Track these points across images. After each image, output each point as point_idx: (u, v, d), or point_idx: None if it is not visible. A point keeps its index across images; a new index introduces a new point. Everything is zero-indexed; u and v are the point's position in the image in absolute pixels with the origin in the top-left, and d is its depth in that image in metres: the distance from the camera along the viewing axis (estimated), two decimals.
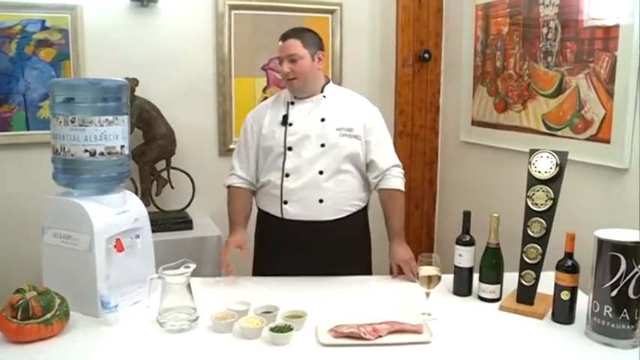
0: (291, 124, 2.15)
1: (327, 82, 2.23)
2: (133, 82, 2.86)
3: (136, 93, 2.90)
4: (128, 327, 1.71)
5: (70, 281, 1.78)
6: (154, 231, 2.75)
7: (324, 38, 3.27)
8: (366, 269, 2.28)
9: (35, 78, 2.82)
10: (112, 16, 2.94)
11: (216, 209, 3.11)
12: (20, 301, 1.59)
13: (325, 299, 1.92)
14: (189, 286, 1.72)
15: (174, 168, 3.03)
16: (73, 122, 1.74)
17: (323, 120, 2.14)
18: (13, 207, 2.79)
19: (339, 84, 3.32)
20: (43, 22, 2.80)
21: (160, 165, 3.04)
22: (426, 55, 3.33)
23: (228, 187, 2.28)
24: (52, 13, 2.80)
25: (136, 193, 2.93)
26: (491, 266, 1.91)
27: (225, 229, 2.95)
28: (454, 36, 3.22)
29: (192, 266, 1.73)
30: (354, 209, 2.19)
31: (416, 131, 3.42)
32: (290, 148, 2.13)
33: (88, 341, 1.61)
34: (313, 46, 2.15)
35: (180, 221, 2.98)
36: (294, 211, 2.13)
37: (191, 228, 2.99)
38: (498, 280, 1.91)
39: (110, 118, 1.77)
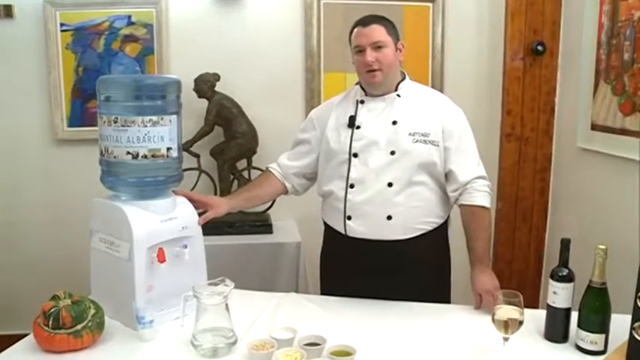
0: (358, 127, 1.89)
1: (403, 79, 1.94)
2: (214, 77, 2.78)
3: (219, 89, 2.81)
4: (163, 345, 1.58)
5: (112, 289, 1.71)
6: (230, 233, 2.73)
7: (423, 29, 3.07)
8: (443, 296, 1.99)
9: (121, 73, 2.84)
10: (196, 9, 2.87)
11: (301, 213, 2.98)
12: (52, 310, 1.53)
13: (385, 329, 1.67)
14: (227, 306, 1.55)
15: (255, 168, 2.90)
16: (115, 122, 1.63)
17: (394, 123, 1.86)
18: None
19: (440, 79, 3.04)
20: (130, 17, 2.81)
21: (242, 164, 2.92)
22: (540, 48, 2.90)
23: (266, 168, 2.11)
24: (138, 8, 2.81)
25: (215, 193, 2.86)
26: (594, 310, 1.53)
27: (308, 235, 2.82)
28: (574, 24, 2.77)
29: (231, 286, 1.55)
30: (428, 227, 1.90)
31: (526, 134, 3.01)
32: (355, 155, 1.88)
33: (120, 357, 1.52)
34: (395, 34, 1.88)
35: (259, 224, 2.84)
36: (358, 229, 1.88)
37: (270, 232, 2.85)
38: (603, 329, 1.52)
39: (155, 118, 1.64)
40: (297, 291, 2.65)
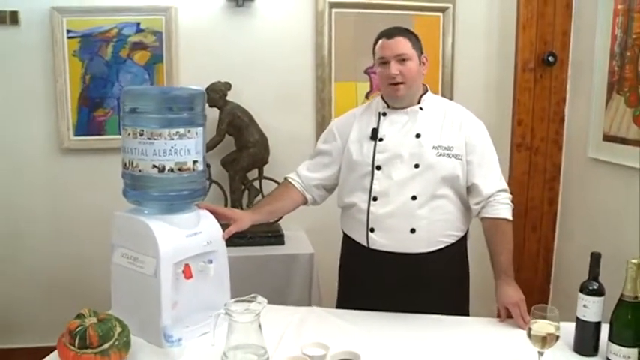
0: (381, 140, 1.88)
1: (425, 92, 1.94)
2: (226, 86, 2.75)
3: (229, 97, 2.78)
4: None
5: (135, 306, 1.66)
6: (241, 244, 2.69)
7: (434, 39, 3.07)
8: (462, 309, 1.98)
9: (129, 82, 2.80)
10: (206, 17, 2.85)
11: (312, 223, 2.97)
12: (78, 328, 1.48)
13: (418, 343, 1.65)
14: (259, 324, 1.51)
15: (266, 178, 2.87)
16: (141, 135, 1.59)
17: (418, 136, 1.85)
18: (104, 212, 2.76)
19: (450, 90, 3.04)
20: (138, 24, 2.78)
21: (253, 174, 2.89)
22: (551, 58, 2.91)
23: (284, 178, 2.08)
24: (147, 15, 2.77)
25: (226, 204, 2.82)
26: (626, 324, 1.52)
27: (320, 246, 2.80)
28: (585, 36, 2.79)
29: (264, 303, 1.51)
30: (451, 240, 1.90)
31: (536, 144, 3.02)
32: (379, 168, 1.87)
33: None
34: (419, 47, 1.89)
35: (270, 235, 2.80)
36: (381, 241, 1.86)
37: (282, 243, 2.82)
38: (636, 343, 1.51)
39: (181, 130, 1.60)
40: (309, 303, 2.62)
